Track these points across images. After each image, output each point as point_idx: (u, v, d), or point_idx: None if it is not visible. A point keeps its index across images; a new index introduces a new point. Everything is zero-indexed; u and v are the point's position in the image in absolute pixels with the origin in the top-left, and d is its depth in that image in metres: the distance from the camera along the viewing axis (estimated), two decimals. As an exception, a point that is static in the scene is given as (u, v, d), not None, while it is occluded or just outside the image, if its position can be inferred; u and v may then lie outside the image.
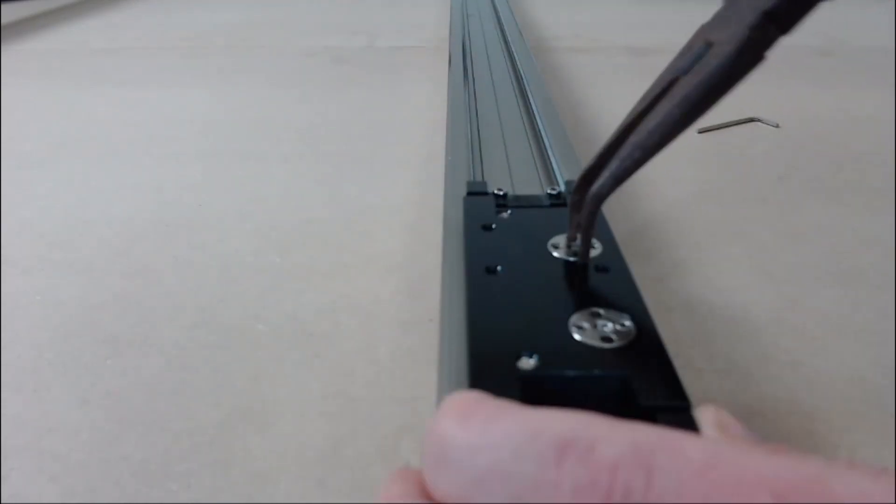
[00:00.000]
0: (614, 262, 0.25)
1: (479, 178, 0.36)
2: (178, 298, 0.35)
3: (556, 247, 0.25)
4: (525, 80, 0.56)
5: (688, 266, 0.37)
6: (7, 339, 0.32)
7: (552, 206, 0.30)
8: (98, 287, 0.36)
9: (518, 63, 0.62)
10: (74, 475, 0.25)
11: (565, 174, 0.35)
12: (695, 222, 0.42)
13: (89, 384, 0.29)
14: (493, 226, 0.28)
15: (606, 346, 0.20)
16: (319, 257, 0.39)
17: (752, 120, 0.60)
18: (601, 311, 0.21)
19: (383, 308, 0.34)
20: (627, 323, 0.21)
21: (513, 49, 0.69)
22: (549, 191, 0.31)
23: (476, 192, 0.31)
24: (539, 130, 0.44)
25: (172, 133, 0.59)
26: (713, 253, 0.39)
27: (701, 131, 0.57)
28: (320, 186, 0.48)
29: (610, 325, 0.21)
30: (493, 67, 0.61)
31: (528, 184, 0.35)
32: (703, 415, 0.15)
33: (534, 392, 0.18)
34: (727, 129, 0.58)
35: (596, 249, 0.25)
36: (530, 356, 0.19)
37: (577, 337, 0.20)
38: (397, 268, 0.37)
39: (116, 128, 0.61)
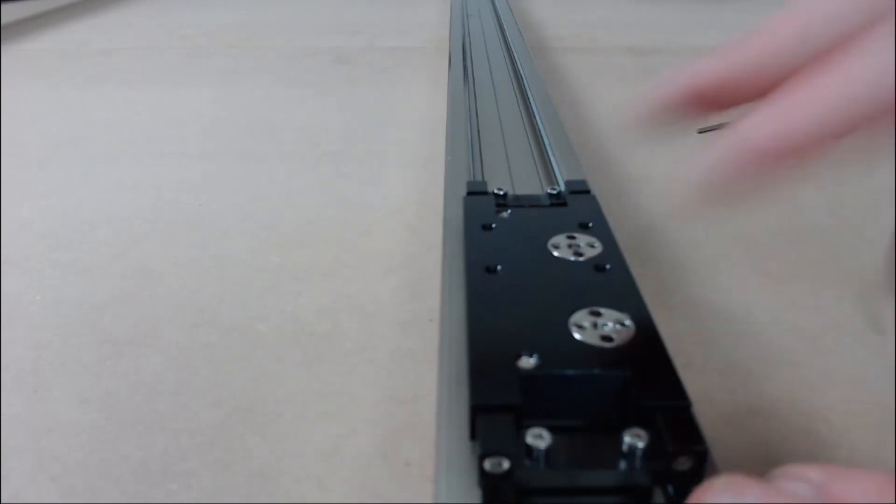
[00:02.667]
0: (614, 262, 0.25)
1: (478, 178, 0.36)
2: (178, 298, 0.35)
3: (556, 246, 0.25)
4: (525, 80, 0.56)
5: (687, 267, 0.37)
6: (7, 340, 0.32)
7: (552, 205, 0.30)
8: (98, 287, 0.36)
9: (518, 63, 0.62)
10: (74, 475, 0.25)
11: (565, 174, 0.35)
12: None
13: (89, 384, 0.29)
14: (493, 225, 0.27)
15: (607, 345, 0.20)
16: (320, 257, 0.39)
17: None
18: (601, 310, 0.21)
19: (383, 308, 0.34)
20: (627, 322, 0.21)
21: (513, 49, 0.69)
22: (549, 190, 0.31)
23: (476, 192, 0.31)
24: (539, 130, 0.44)
25: (173, 133, 0.59)
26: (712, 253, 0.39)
27: (700, 131, 0.57)
28: (320, 186, 0.48)
29: (610, 325, 0.20)
30: (493, 67, 0.61)
31: (528, 183, 0.35)
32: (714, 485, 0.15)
33: (534, 391, 0.18)
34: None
35: (596, 249, 0.25)
36: (530, 356, 0.19)
37: (577, 336, 0.20)
38: (397, 268, 0.37)
39: (117, 128, 0.61)
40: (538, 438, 0.17)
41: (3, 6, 1.15)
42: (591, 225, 0.27)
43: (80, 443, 0.26)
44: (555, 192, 0.31)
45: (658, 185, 0.47)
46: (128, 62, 0.86)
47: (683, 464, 0.16)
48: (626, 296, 0.22)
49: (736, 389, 0.28)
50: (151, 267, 0.38)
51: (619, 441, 0.17)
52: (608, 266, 0.24)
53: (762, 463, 0.25)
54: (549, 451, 0.16)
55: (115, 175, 0.51)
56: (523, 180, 0.35)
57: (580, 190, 0.31)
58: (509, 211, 0.29)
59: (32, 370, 0.30)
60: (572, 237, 0.26)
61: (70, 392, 0.29)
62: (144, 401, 0.28)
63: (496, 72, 0.59)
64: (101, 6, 1.25)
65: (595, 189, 0.32)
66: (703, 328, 0.32)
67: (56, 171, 0.51)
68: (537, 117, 0.46)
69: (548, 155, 0.39)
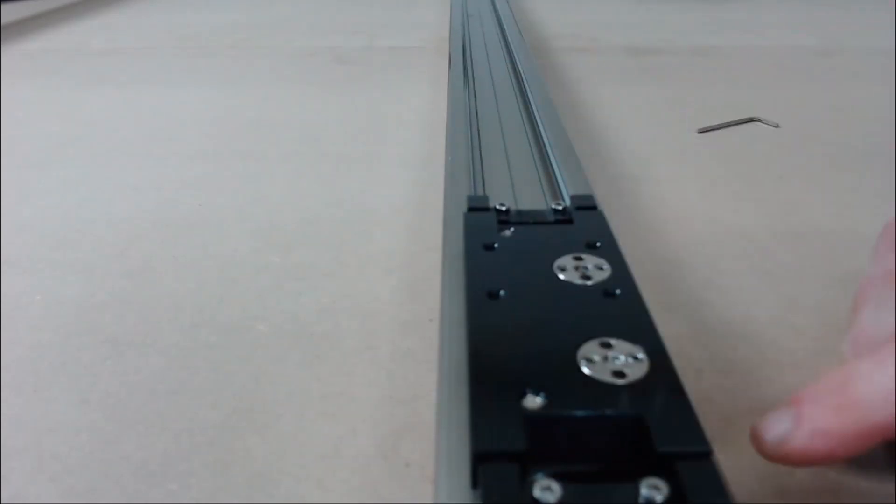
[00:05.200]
0: (624, 286, 0.23)
1: (479, 188, 0.35)
2: (178, 298, 0.35)
3: (562, 269, 0.24)
4: (525, 81, 0.56)
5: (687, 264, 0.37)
6: (7, 340, 0.32)
7: (557, 222, 0.29)
8: (98, 287, 0.36)
9: (518, 63, 0.62)
10: (74, 475, 0.25)
11: (570, 187, 0.34)
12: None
13: (89, 384, 0.29)
14: (496, 245, 0.26)
15: (618, 381, 0.19)
16: (320, 257, 0.39)
17: (751, 120, 0.60)
18: (612, 341, 0.20)
19: (383, 308, 0.34)
20: (640, 355, 0.19)
21: (513, 49, 0.69)
22: (554, 206, 0.30)
23: (477, 208, 0.30)
24: (540, 133, 0.44)
25: (172, 133, 0.59)
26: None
27: (701, 131, 0.57)
28: (320, 186, 0.48)
29: (622, 358, 0.19)
30: (493, 67, 0.61)
31: (531, 192, 0.34)
32: None
33: (541, 435, 0.17)
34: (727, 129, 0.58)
35: (604, 271, 0.24)
36: (536, 394, 0.18)
37: (586, 371, 0.19)
38: (397, 268, 0.37)
39: (117, 128, 0.61)
40: (546, 491, 0.16)
41: (3, 6, 1.15)
42: (598, 245, 0.26)
43: (80, 443, 0.26)
44: (560, 207, 0.29)
45: (658, 187, 0.47)
46: (128, 62, 0.86)
47: None
48: (638, 325, 0.21)
49: (736, 390, 0.28)
50: (151, 267, 0.38)
51: (635, 492, 0.16)
52: (618, 291, 0.23)
53: (761, 463, 0.25)
54: None
55: (115, 175, 0.51)
56: (525, 188, 0.35)
57: (587, 206, 0.30)
58: (512, 229, 0.28)
59: (32, 370, 0.30)
60: (579, 258, 0.25)
61: (70, 392, 0.29)
62: (144, 401, 0.28)
63: (496, 72, 0.59)
64: (101, 6, 1.25)
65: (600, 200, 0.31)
66: (702, 328, 0.32)
67: (56, 171, 0.51)
68: (538, 121, 0.46)
69: (551, 164, 0.38)
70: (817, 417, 0.19)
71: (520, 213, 0.30)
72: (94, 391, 0.29)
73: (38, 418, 0.27)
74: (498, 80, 0.57)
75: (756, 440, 0.21)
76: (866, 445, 0.19)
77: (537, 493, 0.16)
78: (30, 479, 0.24)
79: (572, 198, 0.31)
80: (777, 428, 0.20)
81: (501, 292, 0.23)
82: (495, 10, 0.91)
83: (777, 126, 0.58)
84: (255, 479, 0.24)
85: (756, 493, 0.23)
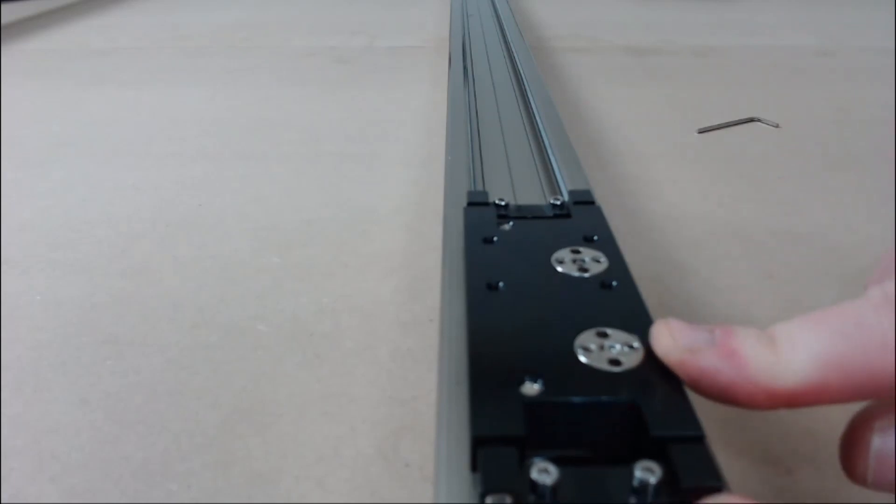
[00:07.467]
0: (621, 278, 0.24)
1: (479, 185, 0.35)
2: (178, 298, 0.35)
3: (560, 261, 0.25)
4: (525, 81, 0.56)
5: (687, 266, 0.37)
6: (7, 340, 0.32)
7: (556, 217, 0.29)
8: (98, 287, 0.36)
9: (518, 63, 0.62)
10: (74, 475, 0.25)
11: (568, 183, 0.34)
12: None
13: (89, 384, 0.29)
14: (495, 238, 0.27)
15: (614, 369, 0.19)
16: (320, 257, 0.39)
17: (751, 120, 0.60)
18: (608, 331, 0.21)
19: (383, 308, 0.34)
20: (636, 344, 0.20)
21: (513, 49, 0.69)
22: (552, 201, 0.30)
23: (477, 203, 0.30)
24: (539, 131, 0.44)
25: (172, 133, 0.59)
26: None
27: (701, 131, 0.57)
28: (320, 186, 0.48)
29: (618, 347, 0.20)
30: (493, 67, 0.61)
31: (530, 190, 0.34)
32: None
33: (539, 420, 0.18)
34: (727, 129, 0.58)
35: (601, 264, 0.24)
36: (534, 381, 0.19)
37: (582, 359, 0.19)
38: (397, 268, 0.38)
39: (116, 128, 0.61)
40: (544, 473, 0.16)
41: (3, 6, 1.15)
42: (596, 238, 0.26)
43: (80, 443, 0.26)
44: (558, 202, 0.30)
45: (658, 188, 0.47)
46: (128, 62, 0.86)
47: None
48: (633, 315, 0.21)
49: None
50: (151, 267, 0.38)
51: (630, 475, 0.16)
52: (615, 283, 0.23)
53: (760, 460, 0.25)
54: (555, 487, 0.16)
55: (115, 175, 0.51)
56: (524, 184, 0.35)
57: (584, 200, 0.30)
58: (511, 223, 0.28)
59: (32, 370, 0.30)
60: (577, 251, 0.25)
61: (70, 392, 0.29)
62: (144, 401, 0.28)
63: (496, 72, 0.59)
64: (101, 6, 1.25)
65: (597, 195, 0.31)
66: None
67: (56, 171, 0.51)
68: (538, 119, 0.46)
69: (550, 161, 0.38)
70: (739, 354, 0.18)
71: (519, 207, 0.30)
72: (94, 391, 0.29)
73: (38, 418, 0.27)
74: (498, 79, 0.57)
75: (662, 335, 0.19)
76: (770, 408, 0.18)
77: (535, 475, 0.16)
78: (30, 479, 0.25)
79: (570, 193, 0.32)
80: (693, 337, 0.19)
81: (500, 284, 0.23)
82: (495, 10, 0.91)
83: (777, 126, 0.59)
84: (255, 479, 0.24)
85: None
